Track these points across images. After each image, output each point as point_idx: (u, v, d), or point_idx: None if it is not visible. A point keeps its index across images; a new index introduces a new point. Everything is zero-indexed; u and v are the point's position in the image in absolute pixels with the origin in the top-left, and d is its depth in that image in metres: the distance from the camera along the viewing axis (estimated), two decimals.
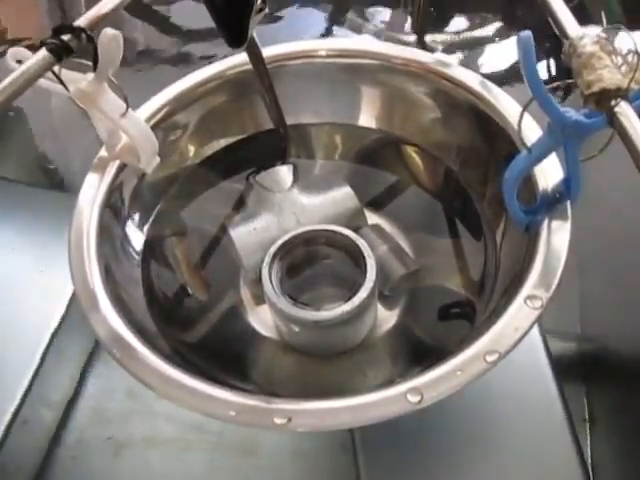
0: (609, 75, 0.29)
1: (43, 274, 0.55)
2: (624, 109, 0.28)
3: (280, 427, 0.28)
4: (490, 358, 0.30)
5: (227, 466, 0.48)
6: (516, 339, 0.31)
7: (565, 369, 0.49)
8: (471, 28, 0.77)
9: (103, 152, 0.44)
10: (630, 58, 0.30)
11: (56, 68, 0.37)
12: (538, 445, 0.43)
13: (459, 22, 0.78)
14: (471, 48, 0.75)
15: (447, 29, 0.78)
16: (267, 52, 0.46)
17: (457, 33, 0.76)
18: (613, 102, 0.28)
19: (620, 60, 0.30)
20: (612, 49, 0.30)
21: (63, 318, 0.52)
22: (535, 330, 0.48)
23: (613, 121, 0.28)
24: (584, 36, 0.32)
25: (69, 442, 0.50)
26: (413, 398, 0.29)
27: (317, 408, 0.29)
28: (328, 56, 0.49)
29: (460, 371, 0.30)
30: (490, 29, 0.77)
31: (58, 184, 0.68)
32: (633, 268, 0.49)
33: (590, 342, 0.53)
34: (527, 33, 0.30)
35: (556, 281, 0.32)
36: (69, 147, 0.69)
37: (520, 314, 0.32)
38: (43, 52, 0.33)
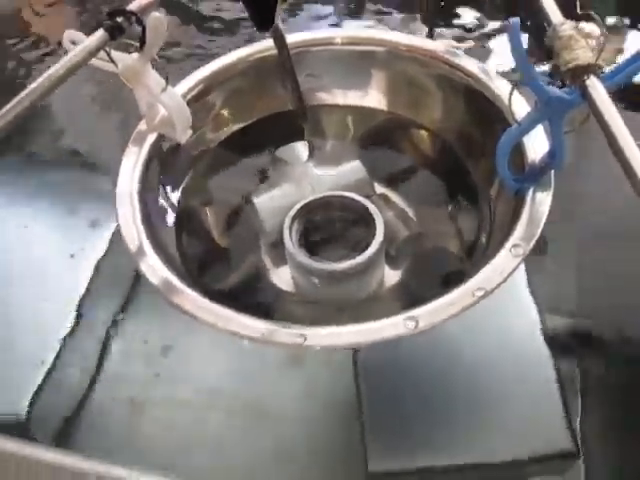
0: (583, 54, 0.34)
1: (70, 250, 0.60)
2: (594, 83, 0.33)
3: (297, 346, 0.34)
4: (478, 293, 0.35)
5: (241, 426, 0.52)
6: (501, 279, 0.36)
7: (560, 344, 0.52)
8: (479, 23, 0.81)
9: (142, 125, 0.50)
10: (602, 40, 0.35)
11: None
12: (528, 406, 0.45)
13: (467, 16, 0.82)
14: (479, 42, 0.79)
15: (456, 23, 0.81)
16: (291, 39, 0.52)
17: (466, 29, 0.80)
18: (585, 77, 0.34)
19: (594, 42, 0.35)
20: (587, 33, 0.35)
21: (89, 287, 0.57)
22: (532, 304, 0.51)
23: (585, 93, 0.34)
24: (565, 22, 0.37)
25: (95, 402, 0.54)
26: (410, 324, 0.34)
27: (328, 332, 0.35)
28: (343, 44, 0.54)
29: (451, 305, 0.35)
30: (497, 23, 0.80)
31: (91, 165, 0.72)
32: (632, 241, 0.51)
33: (586, 318, 0.55)
34: (515, 19, 0.35)
35: (538, 233, 0.38)
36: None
37: (505, 260, 0.37)
38: (101, 31, 0.39)
